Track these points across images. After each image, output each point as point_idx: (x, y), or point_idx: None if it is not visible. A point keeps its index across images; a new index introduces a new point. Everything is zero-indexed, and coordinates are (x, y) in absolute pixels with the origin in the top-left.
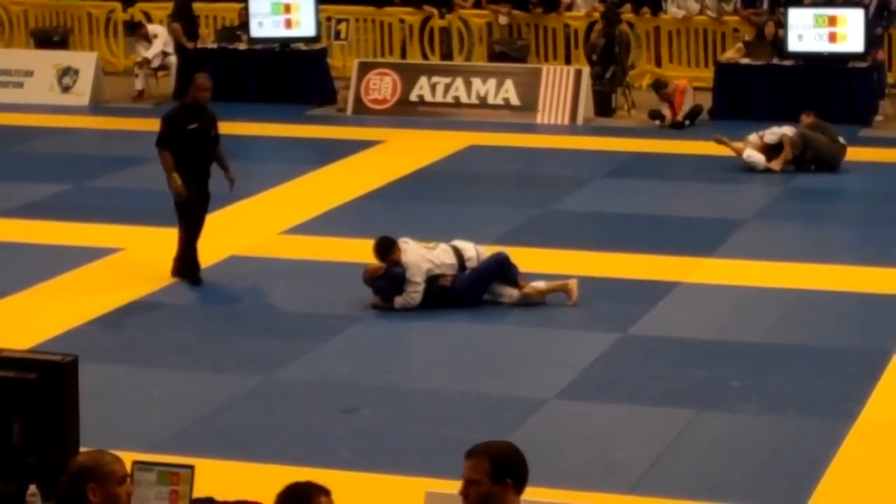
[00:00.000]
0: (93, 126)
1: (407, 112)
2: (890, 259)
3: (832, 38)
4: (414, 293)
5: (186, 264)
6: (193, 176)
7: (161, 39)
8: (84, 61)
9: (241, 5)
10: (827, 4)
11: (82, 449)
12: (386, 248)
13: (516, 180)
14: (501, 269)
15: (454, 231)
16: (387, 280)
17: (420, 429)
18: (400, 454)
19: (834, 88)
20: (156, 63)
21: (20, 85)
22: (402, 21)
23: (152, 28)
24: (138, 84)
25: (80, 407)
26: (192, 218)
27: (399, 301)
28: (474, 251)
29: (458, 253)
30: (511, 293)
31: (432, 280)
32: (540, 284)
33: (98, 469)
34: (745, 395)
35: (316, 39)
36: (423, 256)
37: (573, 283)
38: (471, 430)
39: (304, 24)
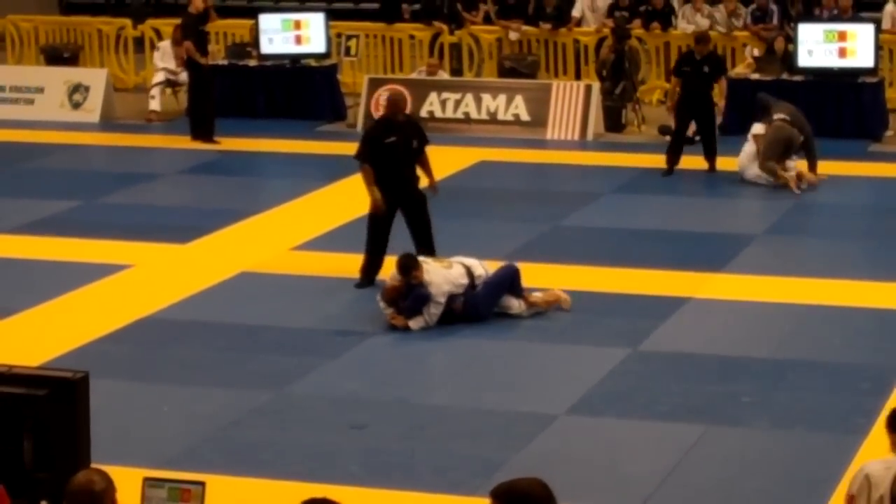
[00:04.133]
0: (103, 143)
1: None
2: None
3: (842, 53)
4: (434, 314)
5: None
6: (391, 187)
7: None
8: (94, 78)
9: (252, 22)
10: (836, 20)
11: (93, 465)
12: (411, 265)
13: (526, 196)
14: (513, 281)
15: (465, 247)
16: (412, 300)
17: (430, 444)
18: (410, 470)
19: (844, 104)
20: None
21: (31, 101)
22: (411, 37)
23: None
24: (153, 105)
25: (90, 423)
26: (382, 227)
27: (418, 323)
28: (482, 269)
29: (469, 271)
30: (519, 304)
31: (450, 300)
32: (539, 295)
33: (112, 484)
34: (756, 410)
35: (326, 56)
36: (444, 278)
37: (565, 295)
38: (481, 445)
39: (315, 41)
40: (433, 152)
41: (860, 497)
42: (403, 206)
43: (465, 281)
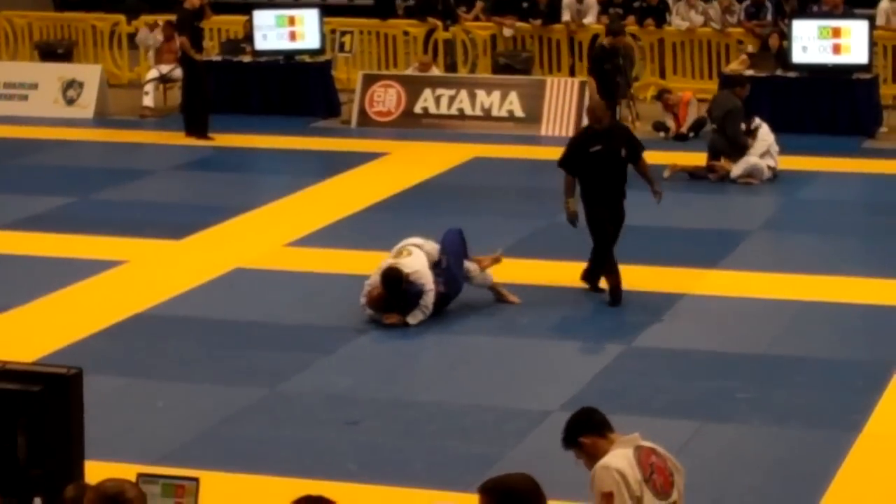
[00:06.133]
0: (97, 139)
1: (411, 124)
2: (895, 271)
3: (836, 49)
4: (430, 303)
5: (593, 275)
6: (601, 196)
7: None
8: (88, 74)
9: (246, 18)
10: (828, 16)
11: (88, 461)
12: (399, 278)
13: (521, 192)
14: (464, 243)
15: None
16: (411, 299)
17: (424, 441)
18: (404, 466)
19: (838, 100)
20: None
21: (25, 97)
22: (406, 33)
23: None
24: (147, 101)
25: (84, 419)
26: (598, 234)
27: (416, 317)
28: (427, 244)
29: (418, 248)
30: (474, 267)
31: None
32: (479, 258)
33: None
34: (751, 406)
35: (320, 52)
36: (422, 264)
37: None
38: (474, 442)
39: (309, 37)
40: (427, 149)
41: (620, 491)
42: (611, 220)
43: (425, 257)
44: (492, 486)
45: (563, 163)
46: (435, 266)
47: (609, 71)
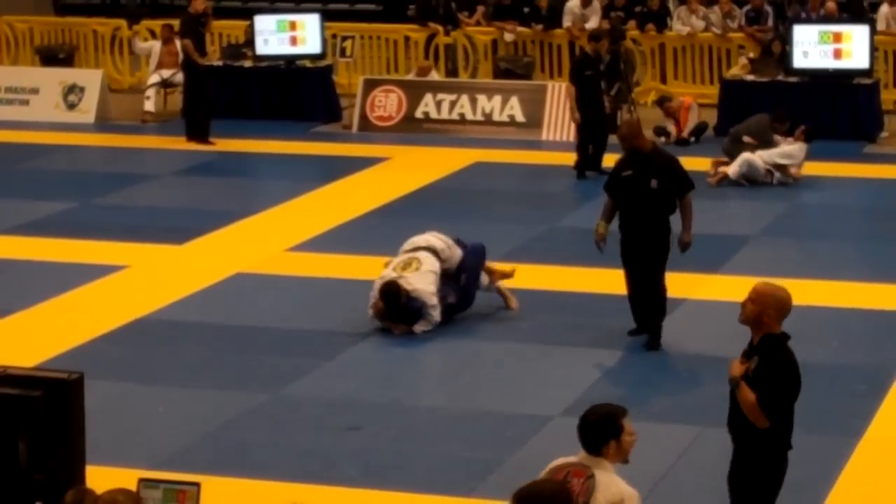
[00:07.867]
0: (98, 143)
1: (412, 129)
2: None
3: (837, 54)
4: (434, 315)
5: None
6: (630, 225)
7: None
8: (90, 79)
9: (247, 22)
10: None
11: (89, 466)
12: (397, 294)
13: (522, 197)
14: (483, 257)
15: None
16: (409, 316)
17: (425, 446)
18: (405, 471)
19: (839, 105)
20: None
21: (26, 102)
22: (407, 38)
23: (148, 45)
24: (148, 105)
25: (86, 424)
26: (627, 264)
27: (422, 326)
28: (439, 241)
29: (434, 253)
30: (485, 281)
31: (443, 296)
32: (497, 272)
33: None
34: None
35: (321, 57)
36: (425, 281)
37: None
38: (476, 447)
39: (310, 42)
40: (428, 153)
41: None
42: (644, 252)
43: (437, 268)
44: (526, 493)
45: (605, 185)
46: (452, 279)
47: (590, 77)
